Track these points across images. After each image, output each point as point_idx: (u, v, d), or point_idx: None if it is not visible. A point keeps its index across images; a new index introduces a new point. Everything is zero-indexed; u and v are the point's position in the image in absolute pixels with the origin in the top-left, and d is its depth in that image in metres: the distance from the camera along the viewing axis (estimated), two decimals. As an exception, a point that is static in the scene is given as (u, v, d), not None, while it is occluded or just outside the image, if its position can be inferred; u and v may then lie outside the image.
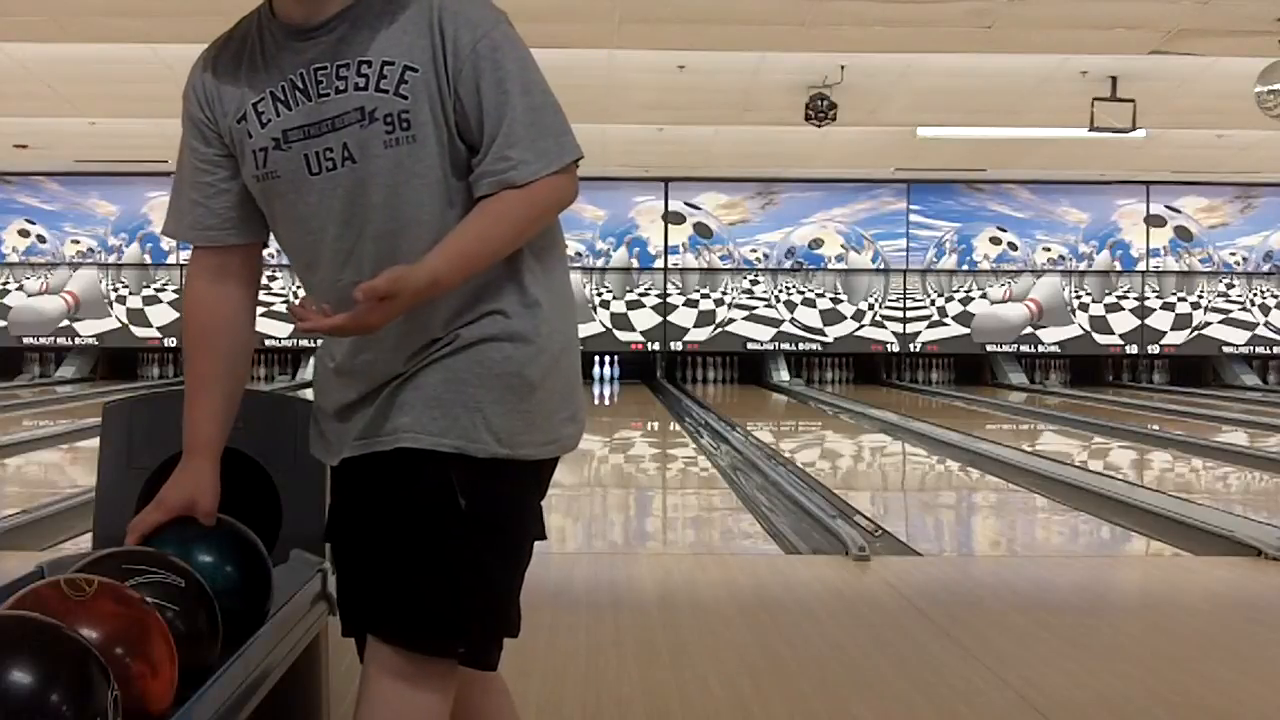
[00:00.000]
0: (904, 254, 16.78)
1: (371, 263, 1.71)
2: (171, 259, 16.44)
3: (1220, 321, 16.93)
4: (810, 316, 16.70)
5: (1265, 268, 16.96)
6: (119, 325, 16.48)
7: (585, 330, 16.42)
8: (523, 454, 1.74)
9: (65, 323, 16.46)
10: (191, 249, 1.89)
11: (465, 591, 1.70)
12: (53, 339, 16.50)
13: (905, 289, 16.80)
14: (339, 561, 1.83)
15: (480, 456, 1.70)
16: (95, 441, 2.34)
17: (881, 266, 16.77)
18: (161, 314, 16.44)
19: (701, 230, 16.68)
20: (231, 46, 1.83)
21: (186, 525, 1.85)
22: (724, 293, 16.65)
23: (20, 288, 16.52)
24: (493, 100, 1.69)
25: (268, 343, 16.28)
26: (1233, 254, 16.92)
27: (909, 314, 16.79)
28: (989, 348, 16.90)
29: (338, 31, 1.71)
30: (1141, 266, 16.89)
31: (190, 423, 1.89)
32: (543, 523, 1.83)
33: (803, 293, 16.72)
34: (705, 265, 16.65)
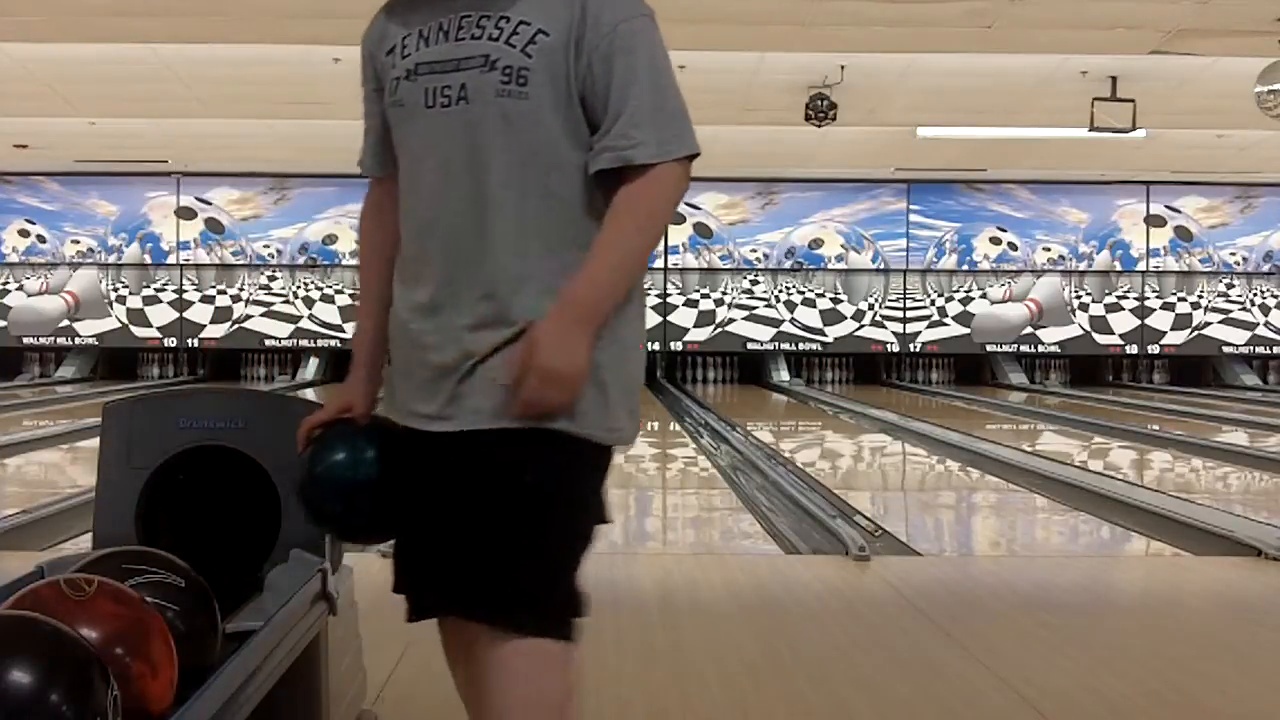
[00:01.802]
0: (904, 254, 16.78)
1: (457, 201, 1.78)
2: (171, 259, 16.43)
3: (1220, 321, 16.93)
4: (810, 316, 16.71)
5: (1265, 268, 16.96)
6: (119, 325, 16.48)
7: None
8: (591, 435, 1.78)
9: (65, 323, 16.46)
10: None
11: (534, 568, 1.75)
12: (53, 339, 16.50)
13: (905, 289, 16.80)
14: (405, 538, 1.87)
15: (554, 429, 1.75)
16: (95, 441, 2.34)
17: (881, 266, 16.77)
18: (161, 314, 16.44)
19: (701, 230, 16.68)
20: None
21: (347, 424, 1.96)
22: (724, 293, 16.65)
23: (20, 288, 16.52)
24: (622, 80, 1.76)
25: (267, 343, 16.29)
26: (1233, 254, 16.92)
27: (909, 314, 16.79)
28: (989, 348, 16.90)
29: None
30: (1141, 266, 16.89)
31: (359, 335, 2.02)
32: (607, 507, 1.88)
33: (803, 293, 16.72)
34: (705, 265, 16.65)
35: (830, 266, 16.71)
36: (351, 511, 1.90)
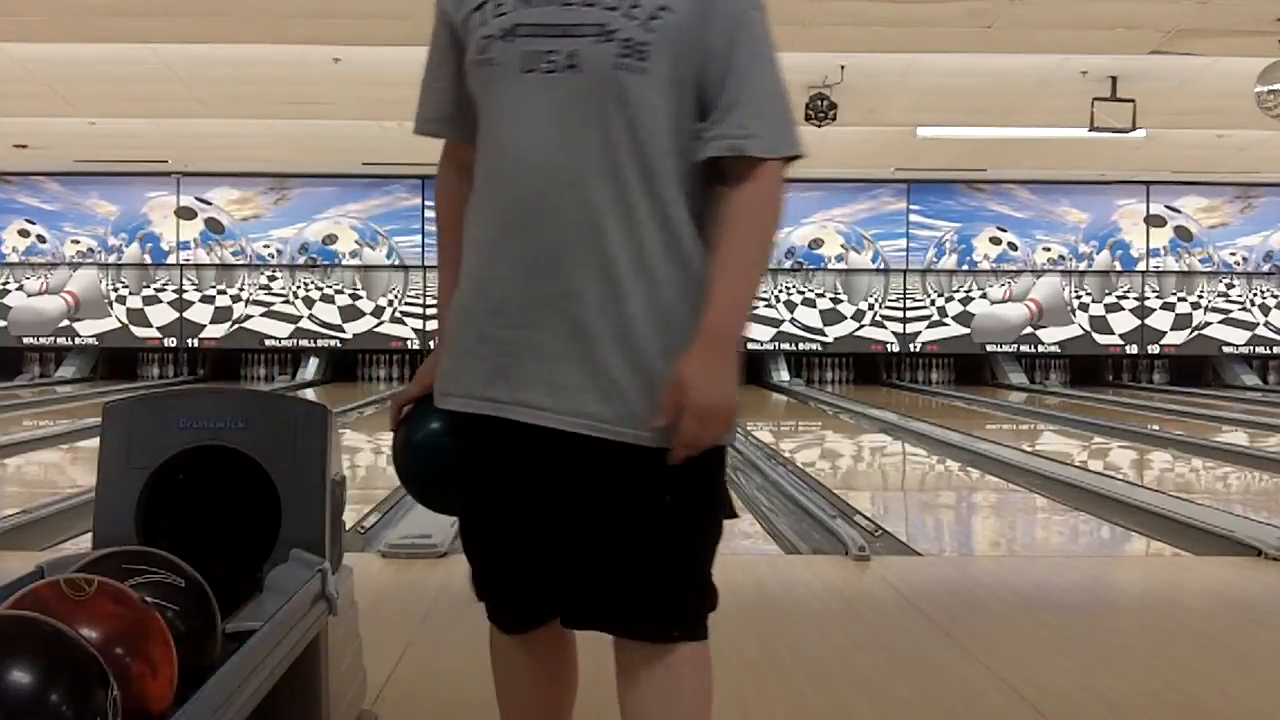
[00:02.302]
0: (904, 254, 16.78)
1: (561, 173, 1.69)
2: (171, 259, 16.43)
3: (1220, 321, 16.93)
4: (810, 316, 16.71)
5: (1265, 268, 16.97)
6: (119, 325, 16.48)
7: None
8: (724, 440, 1.77)
9: (65, 323, 16.47)
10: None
11: (689, 583, 1.76)
12: (53, 339, 16.50)
13: (905, 289, 16.80)
14: (503, 540, 1.82)
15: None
16: (95, 441, 2.34)
17: (881, 266, 16.77)
18: (161, 314, 16.44)
19: (701, 230, 16.66)
20: None
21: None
22: (724, 293, 16.64)
23: (20, 288, 16.52)
24: (744, 69, 1.71)
25: (267, 343, 16.29)
26: (1233, 254, 16.93)
27: (909, 314, 16.79)
28: (989, 348, 16.90)
29: None
30: (1141, 266, 16.89)
31: (444, 309, 1.89)
32: (731, 499, 1.88)
33: (803, 293, 16.72)
34: (705, 265, 16.63)
35: (830, 266, 16.71)
36: (450, 479, 1.89)
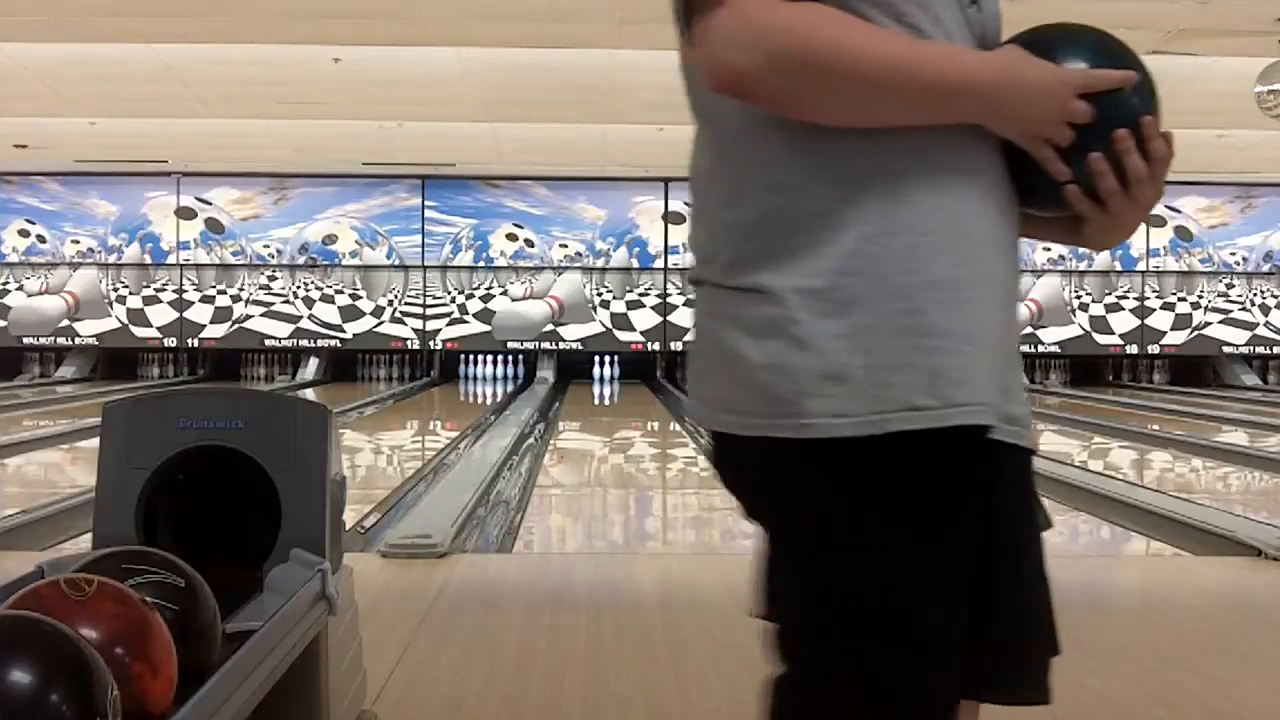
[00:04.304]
0: (904, 254, 16.77)
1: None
2: (171, 259, 16.44)
3: (1220, 321, 16.94)
4: (810, 316, 16.69)
5: (1265, 268, 16.97)
6: (119, 325, 16.48)
7: (586, 330, 16.44)
8: None
9: (65, 323, 16.47)
10: None
11: None
12: (53, 339, 16.50)
13: (905, 289, 16.80)
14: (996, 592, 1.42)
15: None
16: (95, 441, 2.34)
17: (881, 266, 16.77)
18: (161, 314, 16.44)
19: (701, 230, 16.66)
20: None
21: None
22: (724, 293, 16.64)
23: (20, 288, 16.53)
24: None
25: (267, 343, 16.29)
26: (1233, 254, 16.93)
27: (909, 314, 16.79)
28: (989, 348, 16.90)
29: None
30: (1141, 266, 16.90)
31: (949, 50, 1.31)
32: None
33: (803, 293, 16.71)
34: (705, 265, 16.63)
35: (830, 266, 16.70)
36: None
